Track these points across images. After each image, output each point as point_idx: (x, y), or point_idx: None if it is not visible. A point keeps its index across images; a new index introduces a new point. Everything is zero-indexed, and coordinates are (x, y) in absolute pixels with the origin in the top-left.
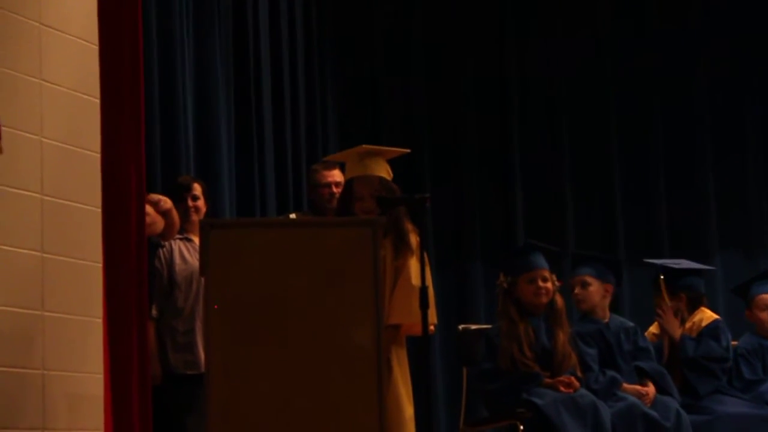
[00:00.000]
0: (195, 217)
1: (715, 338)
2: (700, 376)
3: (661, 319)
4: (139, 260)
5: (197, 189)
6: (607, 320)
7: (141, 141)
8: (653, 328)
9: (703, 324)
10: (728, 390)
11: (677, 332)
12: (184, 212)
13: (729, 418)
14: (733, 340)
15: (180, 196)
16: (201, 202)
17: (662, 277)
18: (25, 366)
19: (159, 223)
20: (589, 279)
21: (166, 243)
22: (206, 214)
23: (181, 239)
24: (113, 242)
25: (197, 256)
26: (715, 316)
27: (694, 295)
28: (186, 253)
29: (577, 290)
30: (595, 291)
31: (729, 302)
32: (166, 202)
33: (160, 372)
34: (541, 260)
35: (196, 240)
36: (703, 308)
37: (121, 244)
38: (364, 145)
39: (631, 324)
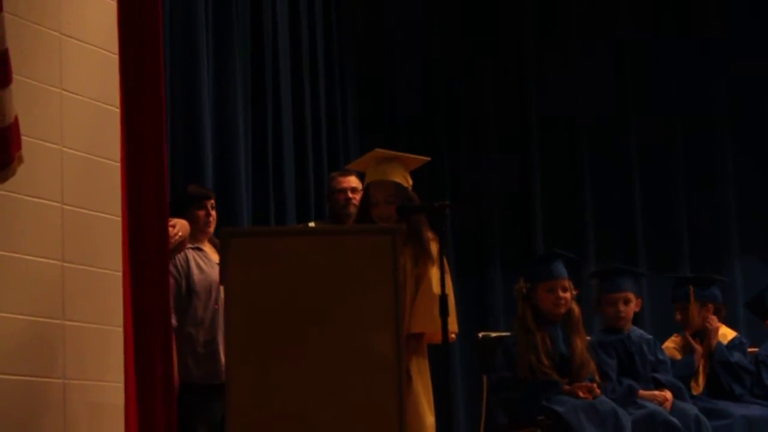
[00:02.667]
0: (212, 227)
1: (743, 353)
2: (735, 380)
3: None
4: (162, 269)
5: (213, 199)
6: (628, 331)
7: (162, 150)
8: (671, 343)
9: (726, 339)
10: (749, 399)
11: (716, 338)
12: (204, 220)
13: (747, 420)
14: (755, 346)
15: (199, 204)
16: (215, 212)
17: (692, 288)
18: (46, 375)
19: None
20: (630, 296)
21: (180, 253)
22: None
23: (192, 248)
24: (135, 251)
25: (211, 265)
26: (735, 333)
27: (718, 306)
28: (201, 262)
29: (621, 307)
30: (634, 307)
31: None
32: (183, 227)
33: (179, 382)
34: (562, 269)
35: (207, 249)
36: (721, 324)
37: (143, 253)
38: (378, 150)
39: (650, 336)
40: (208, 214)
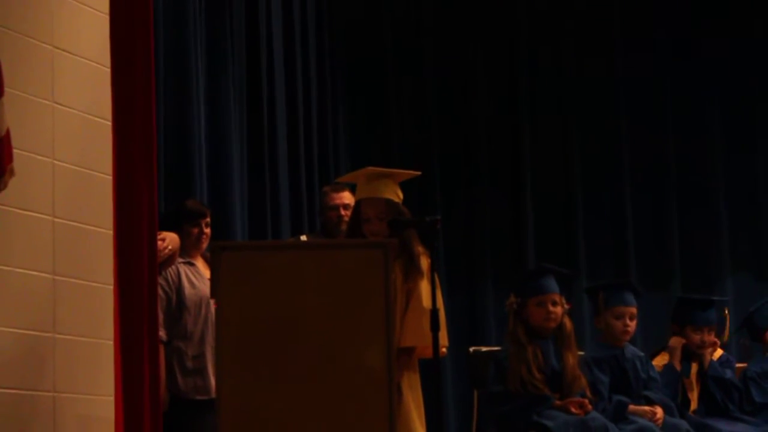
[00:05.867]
0: (205, 244)
1: (732, 370)
2: (728, 397)
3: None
4: (150, 283)
5: (209, 217)
6: (622, 346)
7: (153, 163)
8: (660, 360)
9: (716, 356)
10: (738, 415)
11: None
12: (197, 238)
13: None
14: (744, 362)
15: (194, 221)
16: (209, 230)
17: (691, 308)
18: (37, 388)
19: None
20: (635, 310)
21: (169, 267)
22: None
23: (183, 263)
24: (125, 264)
25: (203, 280)
26: (721, 351)
27: (711, 327)
28: (192, 277)
29: (632, 322)
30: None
31: (739, 324)
32: (173, 240)
33: (168, 397)
34: (552, 284)
35: (198, 264)
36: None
37: (132, 267)
38: (370, 167)
39: (641, 353)
40: (202, 232)
